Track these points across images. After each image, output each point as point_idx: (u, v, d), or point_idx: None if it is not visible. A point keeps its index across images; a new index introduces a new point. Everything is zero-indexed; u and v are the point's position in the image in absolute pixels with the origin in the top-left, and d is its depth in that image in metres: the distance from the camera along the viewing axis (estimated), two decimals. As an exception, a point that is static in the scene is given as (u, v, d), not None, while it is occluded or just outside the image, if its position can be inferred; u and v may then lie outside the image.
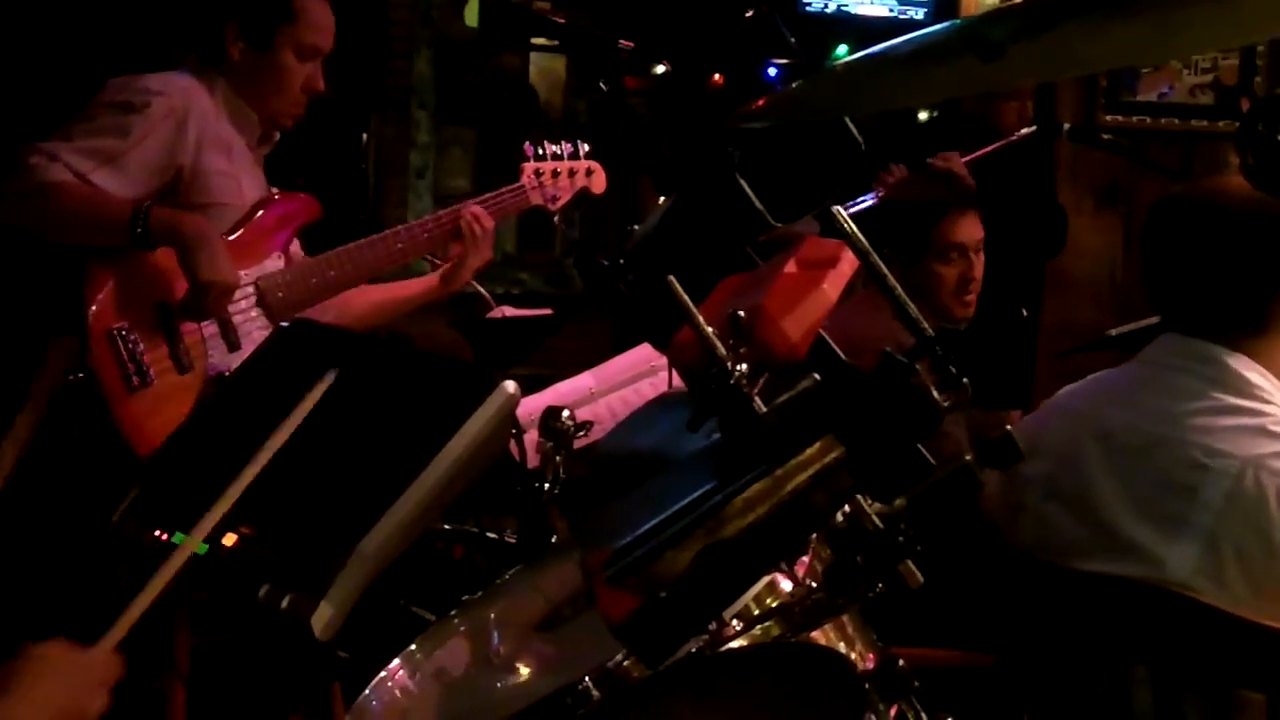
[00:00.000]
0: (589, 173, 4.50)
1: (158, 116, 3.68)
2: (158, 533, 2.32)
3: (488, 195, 4.27)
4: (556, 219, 4.56)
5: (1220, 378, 2.82)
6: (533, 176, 4.38)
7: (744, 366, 1.65)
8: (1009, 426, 1.64)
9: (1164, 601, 2.68)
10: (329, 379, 2.20)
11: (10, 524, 3.46)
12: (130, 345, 3.51)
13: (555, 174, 4.41)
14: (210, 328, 3.68)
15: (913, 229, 4.25)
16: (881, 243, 4.09)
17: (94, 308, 3.50)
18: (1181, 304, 2.94)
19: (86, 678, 1.91)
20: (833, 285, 1.76)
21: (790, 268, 1.80)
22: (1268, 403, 2.80)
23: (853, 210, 4.82)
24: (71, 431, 3.47)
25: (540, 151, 4.40)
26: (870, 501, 1.63)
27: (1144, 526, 2.80)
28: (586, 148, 4.50)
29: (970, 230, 4.30)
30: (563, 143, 4.45)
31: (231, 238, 3.75)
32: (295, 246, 4.05)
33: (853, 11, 7.40)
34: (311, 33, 3.90)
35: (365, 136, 7.24)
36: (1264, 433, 2.76)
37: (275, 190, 3.99)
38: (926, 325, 1.62)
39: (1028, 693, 3.04)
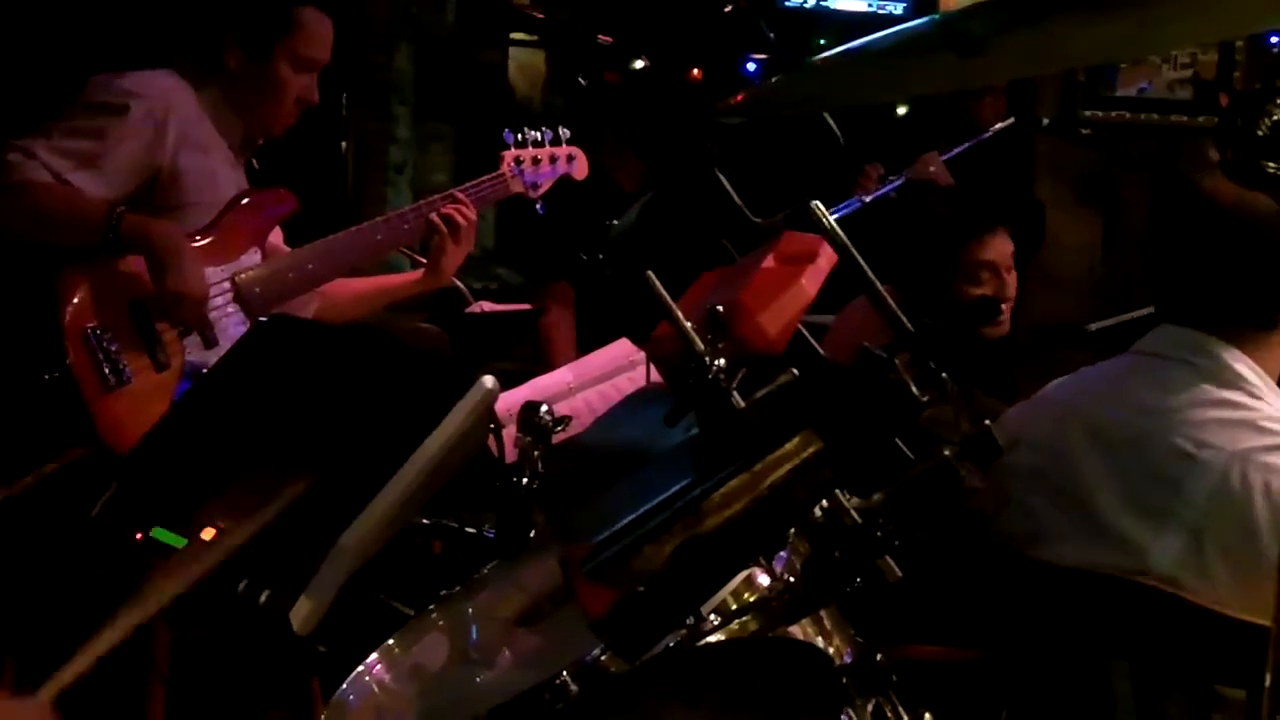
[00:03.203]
0: (570, 159, 4.47)
1: (136, 118, 3.67)
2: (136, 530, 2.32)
3: (468, 184, 4.24)
4: (539, 206, 4.53)
5: (1213, 370, 2.82)
6: (513, 164, 4.34)
7: (722, 361, 1.65)
8: (987, 422, 1.64)
9: (1144, 597, 2.69)
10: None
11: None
12: (106, 344, 3.49)
13: (536, 161, 4.38)
14: (186, 324, 3.67)
15: (938, 251, 4.12)
16: (906, 265, 4.04)
17: (69, 307, 3.48)
18: (1184, 294, 2.93)
19: None
20: (811, 280, 1.77)
21: (769, 263, 1.80)
22: (1257, 398, 2.81)
23: (838, 216, 4.81)
24: (49, 433, 3.46)
25: (520, 138, 4.37)
26: (848, 496, 1.63)
27: (1130, 518, 2.80)
28: (567, 133, 4.47)
29: (1000, 248, 4.17)
30: (543, 129, 4.43)
31: (206, 235, 3.74)
32: (278, 238, 4.04)
33: (831, 7, 7.41)
34: (309, 45, 3.89)
35: (345, 131, 7.23)
36: (1252, 427, 2.76)
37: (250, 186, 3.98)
38: (906, 320, 1.62)
39: (1007, 688, 3.04)
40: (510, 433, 2.86)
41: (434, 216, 4.10)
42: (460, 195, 4.17)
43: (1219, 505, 2.72)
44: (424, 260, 4.24)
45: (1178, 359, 2.87)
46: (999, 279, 4.16)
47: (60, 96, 3.75)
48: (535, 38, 7.59)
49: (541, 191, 4.41)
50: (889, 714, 1.79)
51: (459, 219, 4.11)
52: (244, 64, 3.86)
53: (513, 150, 4.36)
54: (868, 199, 5.18)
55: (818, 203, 1.75)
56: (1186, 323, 2.89)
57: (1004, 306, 4.19)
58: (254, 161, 4.09)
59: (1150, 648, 2.71)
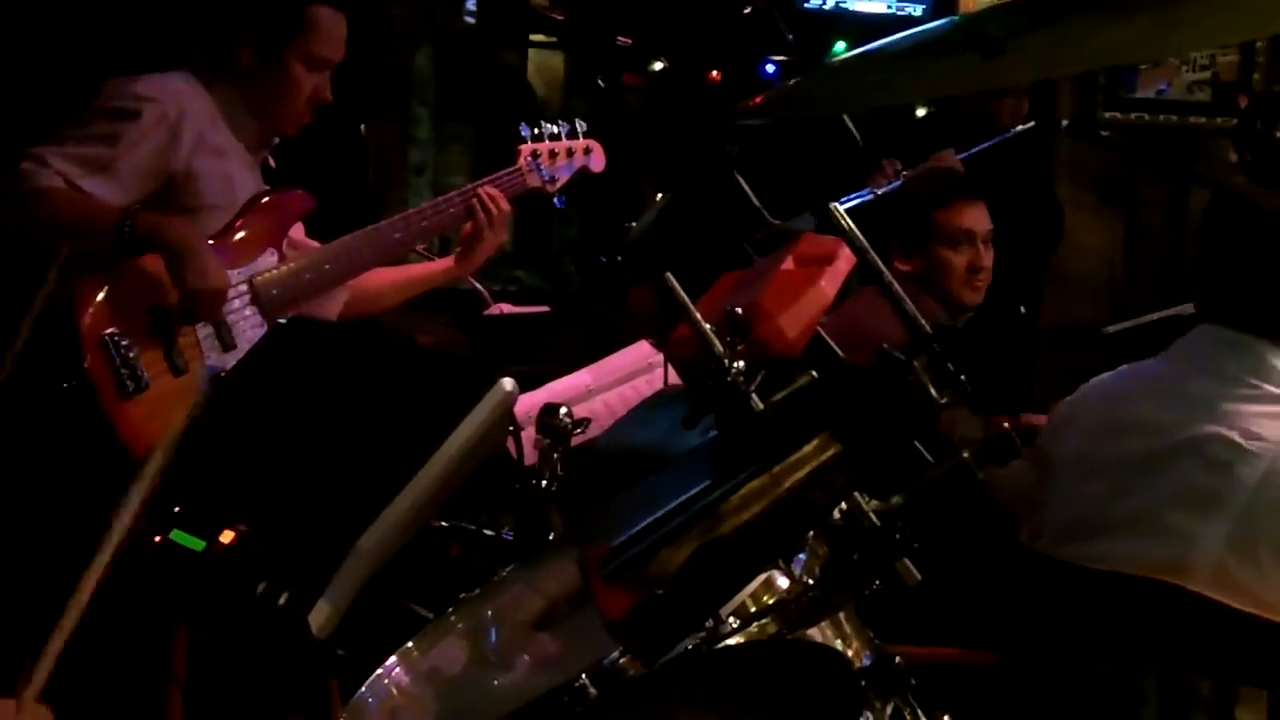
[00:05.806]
0: (588, 151, 4.44)
1: (149, 123, 3.66)
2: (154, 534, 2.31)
3: (484, 179, 4.22)
4: (556, 200, 4.50)
5: (1257, 367, 2.86)
6: (530, 158, 4.32)
7: (741, 363, 1.64)
8: (1005, 424, 1.64)
9: (1167, 597, 2.69)
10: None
11: (9, 534, 3.45)
12: (124, 350, 3.49)
13: (553, 154, 4.36)
14: (204, 329, 3.65)
15: (916, 215, 4.35)
16: (887, 233, 4.26)
17: (86, 314, 3.47)
18: (1229, 296, 2.97)
19: None
20: (830, 282, 1.76)
21: (788, 265, 1.80)
22: None
23: (848, 206, 4.83)
24: (68, 440, 3.46)
25: (536, 132, 4.35)
26: (867, 498, 1.63)
27: (1179, 510, 2.85)
28: (584, 126, 4.44)
29: (977, 219, 4.39)
30: (560, 122, 4.41)
31: (223, 238, 3.73)
32: (300, 234, 4.02)
33: (851, 8, 7.41)
34: (322, 45, 3.86)
35: (364, 132, 7.23)
36: None
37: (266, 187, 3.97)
38: (923, 322, 1.62)
39: (1027, 690, 3.04)
40: (529, 435, 2.86)
41: (473, 202, 4.10)
42: (491, 187, 4.16)
43: (1266, 492, 2.75)
44: (437, 258, 4.24)
45: (1222, 356, 2.91)
46: (975, 247, 4.36)
47: (74, 101, 3.75)
48: (554, 39, 7.59)
49: (559, 186, 4.39)
50: (907, 717, 1.79)
51: (493, 208, 4.11)
52: (255, 63, 3.84)
53: (530, 144, 4.33)
54: (880, 191, 5.20)
55: (837, 205, 1.75)
56: (1228, 323, 2.92)
57: (980, 275, 4.39)
58: (271, 161, 4.09)
59: (1174, 648, 2.72)
